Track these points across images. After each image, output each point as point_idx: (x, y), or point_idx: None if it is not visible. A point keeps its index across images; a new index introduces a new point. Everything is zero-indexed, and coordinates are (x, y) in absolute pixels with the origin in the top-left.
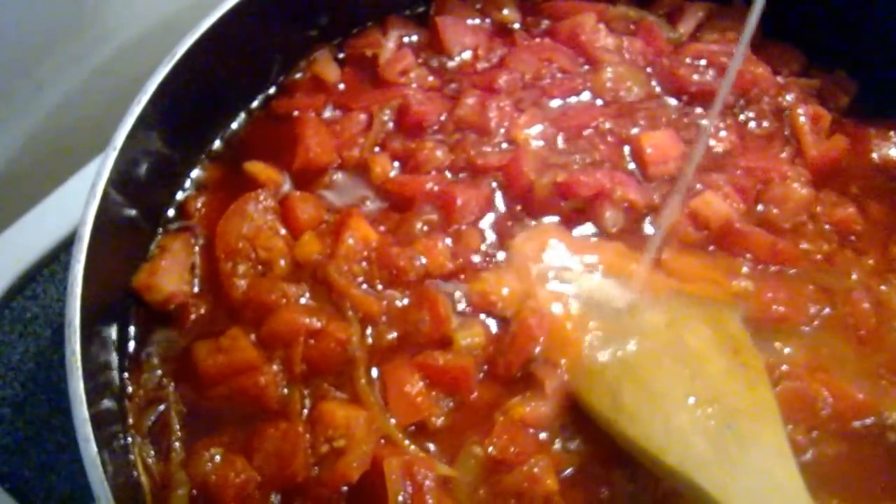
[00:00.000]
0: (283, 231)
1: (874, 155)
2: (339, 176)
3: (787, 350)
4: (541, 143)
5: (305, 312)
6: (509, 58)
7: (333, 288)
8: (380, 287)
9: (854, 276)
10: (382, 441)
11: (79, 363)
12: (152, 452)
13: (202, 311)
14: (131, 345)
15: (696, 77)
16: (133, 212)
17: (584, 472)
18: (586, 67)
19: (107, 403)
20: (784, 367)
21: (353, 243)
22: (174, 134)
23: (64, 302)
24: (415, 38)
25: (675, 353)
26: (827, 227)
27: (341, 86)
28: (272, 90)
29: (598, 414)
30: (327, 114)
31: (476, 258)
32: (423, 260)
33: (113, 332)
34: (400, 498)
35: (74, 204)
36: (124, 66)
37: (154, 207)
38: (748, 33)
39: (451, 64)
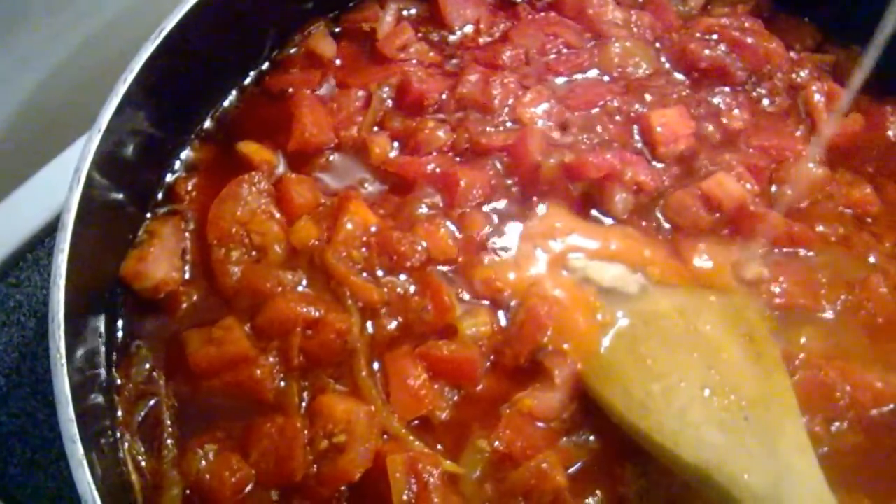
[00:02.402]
0: (277, 215)
1: (890, 133)
2: (335, 157)
3: (803, 338)
4: (546, 122)
5: (302, 301)
6: (513, 32)
7: (332, 275)
8: (380, 274)
9: (871, 260)
10: (385, 436)
11: (64, 360)
12: (143, 449)
13: (194, 299)
14: (120, 336)
15: (706, 52)
16: (120, 195)
17: (595, 467)
18: (593, 42)
19: (94, 398)
20: (801, 356)
21: (351, 228)
22: (163, 113)
23: (48, 289)
24: (414, 11)
25: (688, 342)
26: (842, 208)
27: (338, 61)
28: (265, 66)
29: (610, 406)
30: (323, 91)
31: (481, 243)
32: (425, 245)
33: (100, 323)
34: (404, 496)
35: (58, 186)
36: (110, 41)
37: (142, 190)
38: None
39: (452, 38)
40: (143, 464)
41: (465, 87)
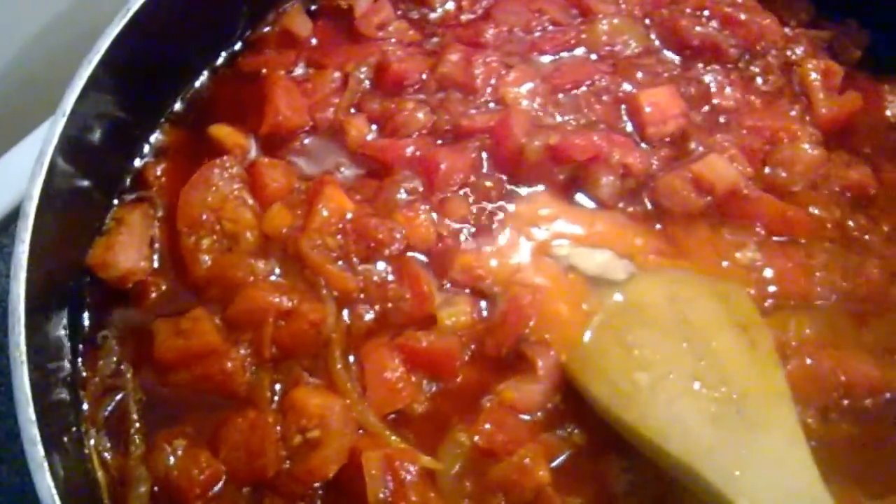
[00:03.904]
0: (250, 201)
1: (888, 112)
2: (311, 140)
3: (796, 326)
4: (531, 102)
5: (275, 291)
6: (496, 9)
7: (306, 264)
8: (356, 262)
9: (867, 244)
10: (360, 431)
11: (24, 358)
12: (109, 445)
13: (163, 288)
14: (86, 327)
15: (698, 29)
16: (86, 182)
17: (580, 461)
18: (580, 19)
19: (58, 393)
20: (793, 344)
21: (326, 215)
22: (130, 95)
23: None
24: None
25: (678, 331)
26: (839, 191)
27: (314, 41)
28: (238, 46)
29: (595, 398)
30: (298, 72)
31: (461, 229)
32: (404, 232)
33: (65, 314)
34: (381, 494)
35: (24, 171)
36: (75, 20)
37: (109, 176)
38: None
39: (432, 16)
40: (110, 460)
41: (445, 66)
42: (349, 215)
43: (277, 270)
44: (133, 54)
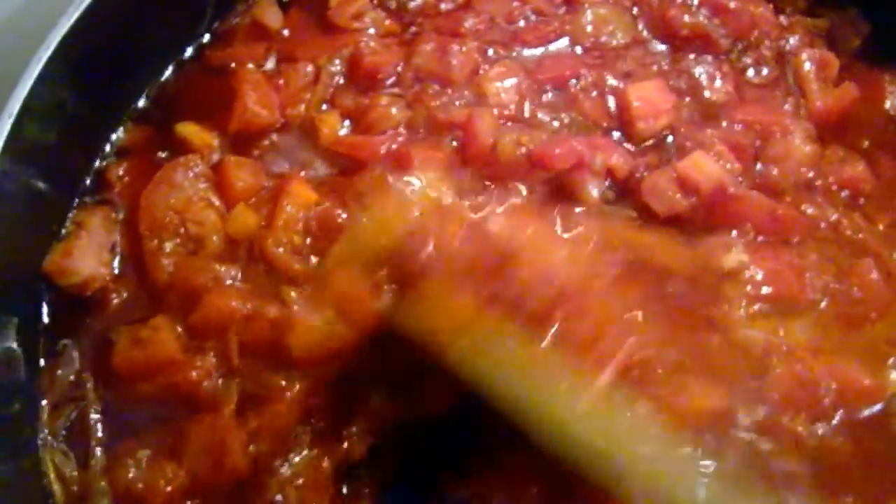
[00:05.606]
0: (217, 202)
1: (888, 104)
2: (281, 137)
3: (785, 330)
4: (512, 98)
5: (238, 296)
6: None
7: (272, 265)
8: None
9: (862, 243)
10: None
11: None
12: (68, 459)
13: (124, 296)
14: (43, 336)
15: (687, 19)
16: (41, 184)
17: None
18: (564, 9)
19: (10, 406)
20: (783, 349)
21: (292, 210)
22: (89, 91)
23: None
24: None
25: None
26: (834, 187)
27: (286, 32)
28: (206, 38)
29: None
30: (269, 65)
31: None
32: None
33: (17, 323)
34: None
35: None
36: (27, 14)
37: (67, 177)
38: None
39: (411, 5)
40: (69, 474)
41: (420, 57)
42: (315, 210)
43: (240, 275)
44: (90, 48)
